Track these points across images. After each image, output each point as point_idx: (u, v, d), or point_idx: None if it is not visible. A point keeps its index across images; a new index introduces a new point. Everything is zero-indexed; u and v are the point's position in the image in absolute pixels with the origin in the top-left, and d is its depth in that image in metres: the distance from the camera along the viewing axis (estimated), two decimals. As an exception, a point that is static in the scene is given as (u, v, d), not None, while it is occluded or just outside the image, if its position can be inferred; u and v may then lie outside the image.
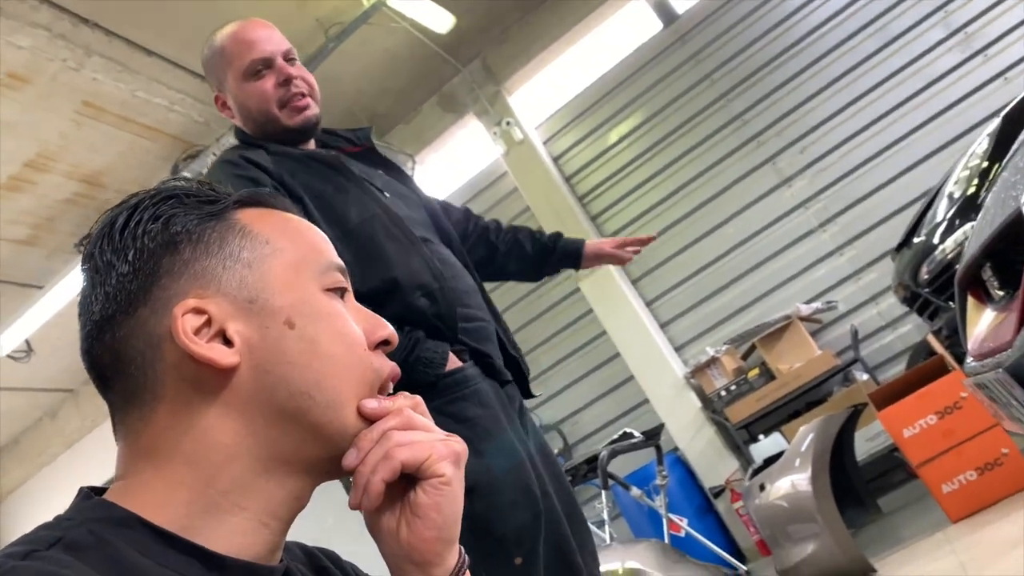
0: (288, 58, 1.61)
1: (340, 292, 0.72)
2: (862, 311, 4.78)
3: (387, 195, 1.61)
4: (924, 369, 2.92)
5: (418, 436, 0.66)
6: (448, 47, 5.46)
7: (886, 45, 4.90)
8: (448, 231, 1.71)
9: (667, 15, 5.60)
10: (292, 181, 1.46)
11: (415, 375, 1.36)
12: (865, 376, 4.43)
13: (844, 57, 5.00)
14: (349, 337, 0.69)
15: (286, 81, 1.58)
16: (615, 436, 4.03)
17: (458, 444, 0.68)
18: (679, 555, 3.18)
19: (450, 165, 6.16)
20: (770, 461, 3.15)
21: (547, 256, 1.95)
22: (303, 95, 1.59)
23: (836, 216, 4.92)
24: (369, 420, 0.67)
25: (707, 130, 5.34)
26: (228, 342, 0.64)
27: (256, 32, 1.61)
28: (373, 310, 1.40)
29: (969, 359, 1.22)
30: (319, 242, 0.74)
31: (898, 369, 4.51)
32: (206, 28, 1.71)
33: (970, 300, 1.34)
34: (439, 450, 0.66)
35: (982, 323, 1.24)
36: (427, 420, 0.69)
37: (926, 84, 4.78)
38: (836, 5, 5.04)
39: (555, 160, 5.77)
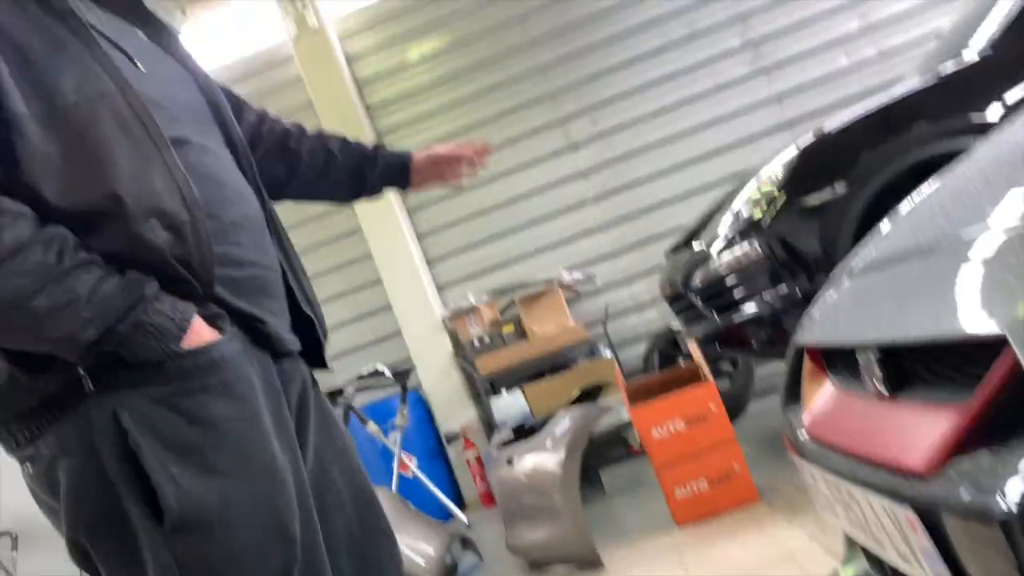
0: None
1: None
2: (616, 290, 5.02)
3: (140, 66, 1.11)
4: (679, 373, 3.08)
5: None
6: (252, -103, 4.67)
7: (689, 39, 5.06)
8: (233, 131, 1.24)
9: (497, -58, 5.29)
10: None
11: (134, 348, 0.95)
12: (608, 353, 4.67)
13: (652, 37, 5.09)
14: None
15: None
16: (364, 372, 3.85)
17: None
18: (409, 510, 3.11)
19: (226, 32, 5.36)
20: (519, 433, 3.17)
21: (366, 169, 1.50)
22: None
23: (612, 194, 5.08)
24: None
25: (509, 73, 5.21)
26: None
27: None
28: (82, 239, 0.96)
29: (804, 434, 1.20)
30: None
31: (637, 352, 4.80)
32: None
33: (807, 364, 1.32)
34: None
35: (824, 398, 1.22)
36: None
37: (715, 87, 5.04)
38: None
39: (349, 60, 5.28)
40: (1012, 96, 2.53)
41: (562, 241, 5.08)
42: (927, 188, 1.36)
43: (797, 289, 2.61)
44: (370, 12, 5.30)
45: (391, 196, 5.01)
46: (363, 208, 5.00)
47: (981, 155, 1.29)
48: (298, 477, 1.12)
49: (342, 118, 5.02)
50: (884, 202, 2.48)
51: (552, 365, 4.60)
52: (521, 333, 4.64)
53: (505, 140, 5.15)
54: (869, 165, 2.61)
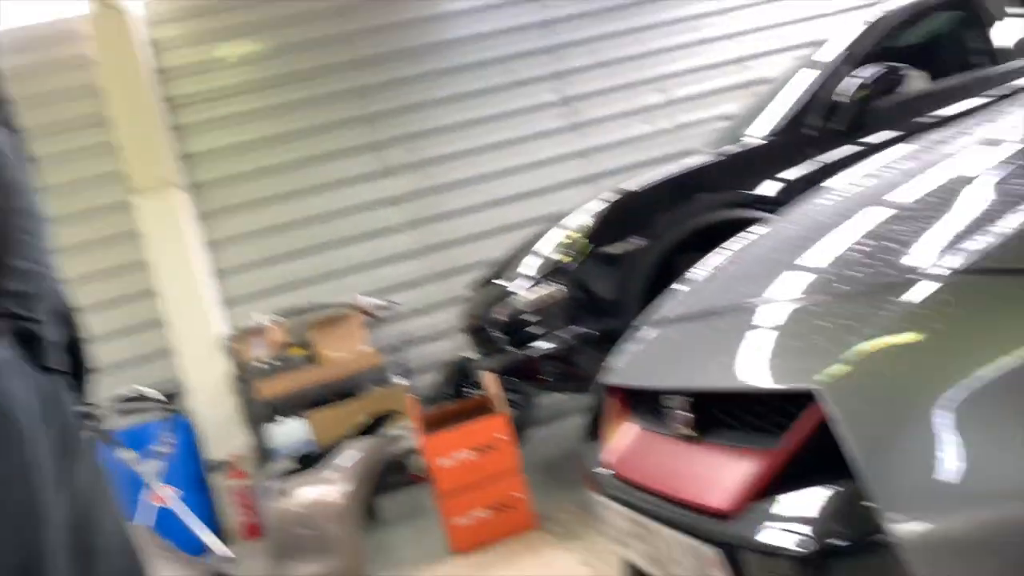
0: None
1: None
2: (416, 319, 4.94)
3: None
4: (469, 403, 3.06)
5: None
6: None
7: (509, 87, 5.21)
8: None
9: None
10: None
11: None
12: (399, 381, 4.55)
13: (475, 79, 5.18)
14: None
15: None
16: (128, 394, 3.43)
17: None
18: (161, 547, 2.77)
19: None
20: (305, 462, 2.97)
21: None
22: None
23: (422, 224, 5.03)
24: None
25: (329, 88, 5.06)
26: None
27: None
28: None
29: (604, 470, 1.20)
30: None
31: (429, 380, 4.73)
32: None
33: (611, 403, 1.33)
34: None
35: (627, 437, 1.22)
36: None
37: (529, 135, 5.21)
38: (491, 26, 5.22)
39: (154, 45, 4.84)
40: (784, 176, 2.85)
41: (365, 265, 4.93)
42: (719, 257, 1.44)
43: (593, 330, 2.71)
44: (186, 1, 4.92)
45: (178, 201, 4.63)
46: (145, 211, 4.55)
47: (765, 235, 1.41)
48: (62, 516, 0.93)
49: (131, 109, 4.60)
50: (672, 257, 2.68)
51: (340, 392, 4.40)
52: (312, 357, 4.41)
53: (315, 157, 4.97)
54: (663, 224, 2.80)
